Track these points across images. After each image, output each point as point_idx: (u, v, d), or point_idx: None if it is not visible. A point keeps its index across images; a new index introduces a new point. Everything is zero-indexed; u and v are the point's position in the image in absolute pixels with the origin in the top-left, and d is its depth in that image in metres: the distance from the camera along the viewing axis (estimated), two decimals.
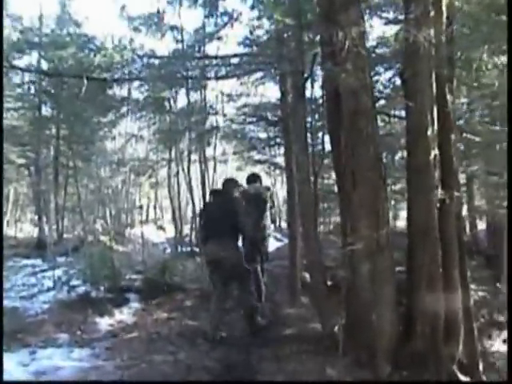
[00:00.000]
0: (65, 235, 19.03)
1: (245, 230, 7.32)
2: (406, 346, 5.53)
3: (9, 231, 23.70)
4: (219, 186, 8.11)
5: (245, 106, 14.70)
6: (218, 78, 10.36)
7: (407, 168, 6.03)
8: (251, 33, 9.23)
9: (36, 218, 19.83)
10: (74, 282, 9.31)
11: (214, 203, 7.41)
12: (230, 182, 7.67)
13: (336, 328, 6.12)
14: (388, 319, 5.54)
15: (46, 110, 18.96)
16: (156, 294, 8.89)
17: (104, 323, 7.56)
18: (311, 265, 6.74)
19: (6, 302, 8.15)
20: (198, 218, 8.57)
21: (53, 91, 17.54)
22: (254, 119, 14.36)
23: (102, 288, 8.75)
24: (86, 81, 7.59)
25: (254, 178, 8.75)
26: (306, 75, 6.87)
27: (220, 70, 9.05)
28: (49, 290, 9.33)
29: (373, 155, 5.57)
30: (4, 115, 17.75)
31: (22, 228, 26.00)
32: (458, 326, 5.71)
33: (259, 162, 17.92)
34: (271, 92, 22.88)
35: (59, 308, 8.06)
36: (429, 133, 5.52)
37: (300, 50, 6.63)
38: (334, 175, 12.81)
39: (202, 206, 8.36)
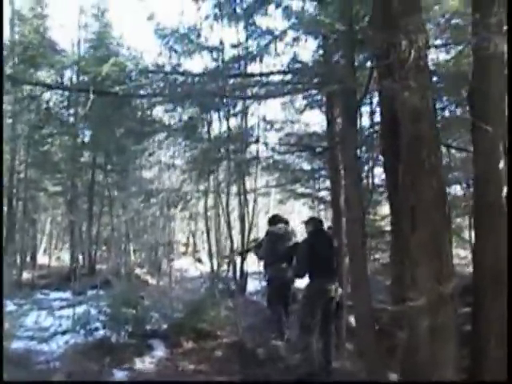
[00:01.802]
0: (98, 266, 18.45)
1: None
2: None
3: (42, 260, 23.27)
4: (259, 222, 7.98)
5: (288, 134, 13.95)
6: (258, 98, 9.67)
7: (475, 205, 5.26)
8: (295, 54, 8.39)
9: (69, 248, 19.26)
10: (97, 323, 8.39)
11: (317, 239, 7.50)
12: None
13: None
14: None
15: (81, 137, 18.46)
16: (183, 340, 7.94)
17: (122, 375, 6.67)
18: (361, 320, 5.79)
19: (19, 344, 7.57)
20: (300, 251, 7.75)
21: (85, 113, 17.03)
22: (298, 149, 13.53)
23: (123, 333, 7.83)
24: (92, 94, 6.86)
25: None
26: (358, 98, 5.95)
27: (261, 90, 8.25)
28: (67, 331, 8.45)
29: (436, 190, 4.78)
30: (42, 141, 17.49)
31: (58, 257, 25.46)
32: None
33: (302, 195, 17.08)
34: (316, 120, 21.85)
35: (74, 354, 7.19)
36: (501, 165, 4.80)
37: (351, 65, 5.71)
38: (381, 211, 12.15)
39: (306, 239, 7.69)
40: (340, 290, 7.45)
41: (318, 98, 12.06)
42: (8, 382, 4.82)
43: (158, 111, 15.07)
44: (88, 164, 18.39)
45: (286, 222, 9.33)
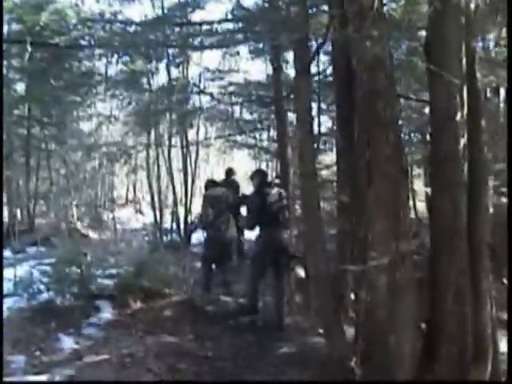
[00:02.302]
0: (37, 221, 17.95)
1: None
2: (429, 370, 4.68)
3: None
4: (201, 173, 7.88)
5: (231, 84, 13.64)
6: (202, 48, 9.36)
7: (431, 159, 5.15)
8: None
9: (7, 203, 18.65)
10: (40, 285, 8.04)
11: (263, 193, 7.61)
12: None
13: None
14: (408, 340, 4.63)
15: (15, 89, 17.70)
16: (131, 300, 7.73)
17: (69, 340, 6.42)
18: (317, 277, 5.70)
19: None
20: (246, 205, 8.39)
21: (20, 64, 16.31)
22: (244, 99, 13.26)
23: (67, 295, 7.55)
24: (29, 47, 6.46)
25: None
26: (315, 46, 5.75)
27: (205, 40, 7.95)
28: (10, 294, 8.09)
29: (393, 143, 4.62)
30: None
31: None
32: (487, 346, 4.82)
33: (246, 145, 16.85)
34: (259, 68, 21.35)
35: (19, 320, 6.89)
36: (458, 117, 4.63)
37: (305, 13, 5.47)
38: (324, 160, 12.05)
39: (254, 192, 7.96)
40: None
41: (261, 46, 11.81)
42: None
43: (99, 63, 14.60)
44: (23, 117, 17.72)
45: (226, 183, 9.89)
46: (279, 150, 9.09)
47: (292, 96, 8.09)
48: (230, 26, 7.72)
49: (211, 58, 17.50)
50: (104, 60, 13.90)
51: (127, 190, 27.19)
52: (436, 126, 4.89)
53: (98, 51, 10.96)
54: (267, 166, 19.72)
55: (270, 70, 10.90)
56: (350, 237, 5.74)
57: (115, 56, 12.62)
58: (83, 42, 8.84)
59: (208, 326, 7.22)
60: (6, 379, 4.67)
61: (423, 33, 5.69)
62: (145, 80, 14.18)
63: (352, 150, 5.22)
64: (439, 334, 4.73)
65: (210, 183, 9.43)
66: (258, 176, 7.99)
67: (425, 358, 4.77)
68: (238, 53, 13.31)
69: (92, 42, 8.57)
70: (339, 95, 5.64)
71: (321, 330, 6.60)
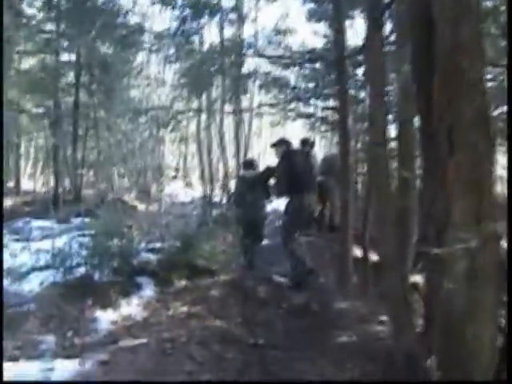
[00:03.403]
0: (84, 192, 17.62)
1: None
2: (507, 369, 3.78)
3: (28, 185, 22.40)
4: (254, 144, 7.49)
5: (288, 48, 12.84)
6: None
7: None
8: None
9: (53, 173, 18.33)
10: (78, 258, 7.43)
11: (291, 158, 7.99)
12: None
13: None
14: (487, 334, 3.80)
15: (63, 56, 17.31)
16: (175, 278, 7.11)
17: (105, 319, 5.82)
18: (386, 259, 4.92)
19: None
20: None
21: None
22: (304, 60, 12.45)
23: (107, 270, 6.95)
24: None
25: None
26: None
27: None
28: (45, 267, 7.53)
29: (479, 107, 3.76)
30: (17, 59, 16.36)
31: (44, 183, 24.55)
32: None
33: (303, 115, 15.94)
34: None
35: (52, 296, 6.30)
36: None
37: None
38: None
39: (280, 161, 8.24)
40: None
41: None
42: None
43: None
44: (71, 84, 17.35)
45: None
46: (340, 120, 8.27)
47: (361, 55, 7.30)
48: None
49: (268, 17, 16.64)
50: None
51: (177, 162, 26.74)
52: None
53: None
54: (323, 137, 19.00)
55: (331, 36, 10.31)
56: (425, 216, 4.96)
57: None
58: None
59: (258, 308, 6.53)
60: (5, 380, 4.13)
61: None
62: (196, 38, 13.53)
63: (430, 115, 4.41)
64: None
65: (247, 164, 9.33)
66: (282, 144, 8.27)
67: (504, 356, 4.01)
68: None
69: None
70: (415, 53, 4.81)
71: (382, 318, 6.09)
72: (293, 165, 7.83)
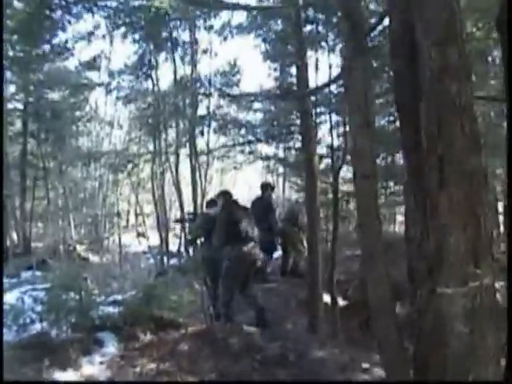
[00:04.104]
0: (34, 244, 17.00)
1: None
2: None
3: None
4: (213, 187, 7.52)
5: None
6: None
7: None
8: None
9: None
10: (32, 314, 6.87)
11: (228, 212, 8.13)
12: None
13: None
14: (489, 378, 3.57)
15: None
16: (140, 332, 6.58)
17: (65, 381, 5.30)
18: (378, 303, 4.54)
19: None
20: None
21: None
22: (270, 96, 12.35)
23: (64, 326, 6.41)
24: None
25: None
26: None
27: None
28: None
29: (471, 134, 3.59)
30: None
31: None
32: None
33: (263, 157, 15.67)
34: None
35: (5, 357, 5.72)
36: None
37: None
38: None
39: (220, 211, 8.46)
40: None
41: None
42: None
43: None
44: (19, 132, 16.89)
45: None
46: (306, 159, 8.08)
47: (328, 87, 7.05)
48: None
49: (222, 56, 16.64)
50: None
51: (127, 212, 26.28)
52: None
53: None
54: (285, 179, 18.78)
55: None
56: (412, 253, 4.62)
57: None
58: None
59: (232, 361, 6.03)
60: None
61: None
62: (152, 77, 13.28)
63: (418, 144, 4.11)
64: None
65: (211, 202, 9.45)
66: (223, 196, 8.57)
67: None
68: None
69: None
70: (398, 78, 4.52)
71: (364, 365, 5.88)
72: (230, 215, 8.00)
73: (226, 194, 8.62)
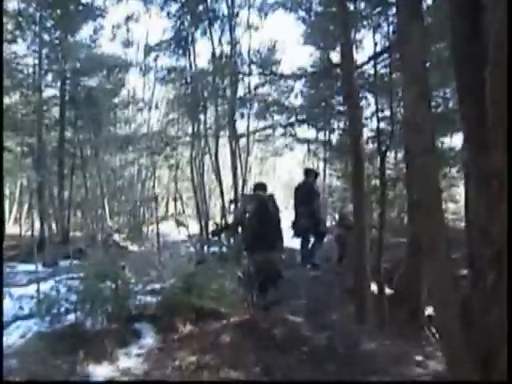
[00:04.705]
0: (72, 234, 16.89)
1: None
2: None
3: (13, 229, 21.64)
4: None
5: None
6: None
7: None
8: None
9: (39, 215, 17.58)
10: (67, 304, 6.58)
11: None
12: None
13: None
14: None
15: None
16: (179, 323, 6.27)
17: (101, 375, 5.02)
18: (442, 298, 4.08)
19: None
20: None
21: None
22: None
23: (100, 316, 6.12)
24: None
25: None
26: None
27: None
28: (30, 316, 6.67)
29: None
30: None
31: (29, 226, 23.88)
32: None
33: (304, 141, 15.36)
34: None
35: (37, 348, 5.45)
36: None
37: None
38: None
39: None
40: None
41: None
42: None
43: None
44: (56, 120, 16.76)
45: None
46: (352, 142, 7.64)
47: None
48: None
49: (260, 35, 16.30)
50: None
51: (167, 201, 26.17)
52: None
53: None
54: (325, 165, 18.36)
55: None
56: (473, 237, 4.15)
57: None
58: None
59: (278, 354, 5.68)
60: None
61: None
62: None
63: (481, 117, 3.65)
64: None
65: (259, 186, 9.07)
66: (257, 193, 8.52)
67: None
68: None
69: None
70: (459, 42, 4.05)
71: (418, 358, 5.63)
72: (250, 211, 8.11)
73: (260, 185, 8.72)
